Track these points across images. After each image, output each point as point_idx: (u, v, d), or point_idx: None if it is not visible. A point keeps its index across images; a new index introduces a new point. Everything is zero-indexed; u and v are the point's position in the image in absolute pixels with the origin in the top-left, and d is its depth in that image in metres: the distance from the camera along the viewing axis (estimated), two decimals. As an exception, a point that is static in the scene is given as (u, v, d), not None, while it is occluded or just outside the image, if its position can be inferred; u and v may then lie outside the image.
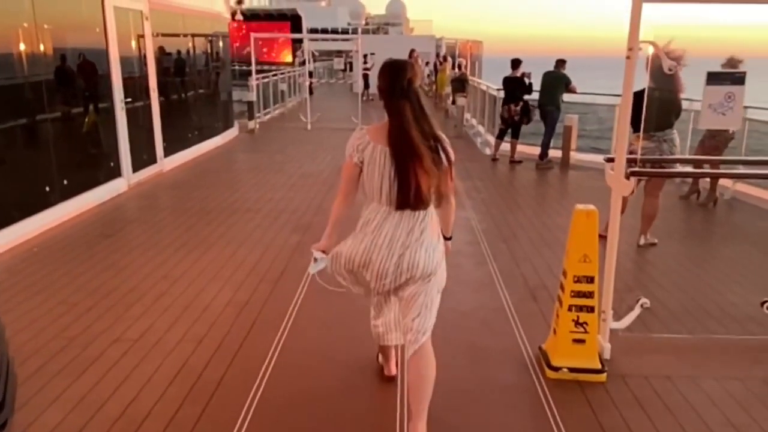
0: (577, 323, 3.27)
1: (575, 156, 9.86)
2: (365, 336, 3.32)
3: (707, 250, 5.79)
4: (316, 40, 36.31)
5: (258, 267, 4.89)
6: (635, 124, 4.03)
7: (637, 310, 3.53)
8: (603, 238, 3.27)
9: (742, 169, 6.03)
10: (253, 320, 3.90)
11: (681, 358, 3.50)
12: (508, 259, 5.18)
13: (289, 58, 32.23)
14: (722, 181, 7.16)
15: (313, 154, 10.43)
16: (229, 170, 9.39)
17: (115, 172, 7.48)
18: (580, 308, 3.25)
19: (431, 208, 2.63)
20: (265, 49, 32.19)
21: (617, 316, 3.56)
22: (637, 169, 3.23)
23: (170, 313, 4.01)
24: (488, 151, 10.75)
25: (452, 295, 4.29)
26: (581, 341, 3.29)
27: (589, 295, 3.24)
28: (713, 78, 3.28)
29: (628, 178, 3.23)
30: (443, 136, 2.56)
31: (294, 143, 11.92)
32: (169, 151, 9.00)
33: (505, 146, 10.08)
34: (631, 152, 3.72)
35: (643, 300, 3.51)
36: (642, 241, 5.53)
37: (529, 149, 10.26)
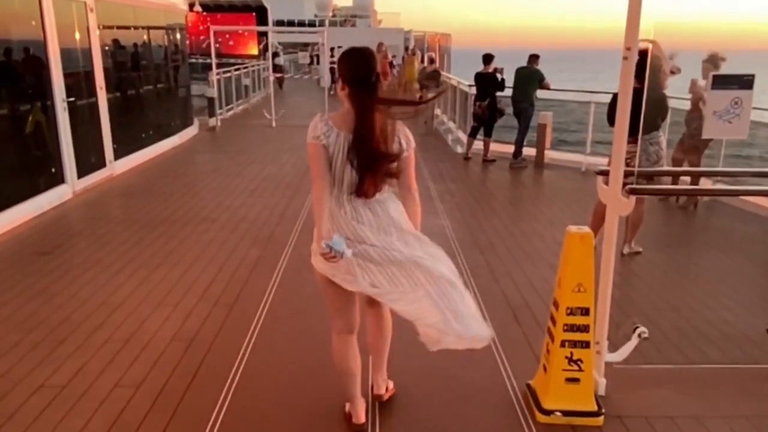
0: (570, 360, 2.88)
1: (549, 154, 9.55)
2: (330, 376, 2.90)
3: (693, 259, 5.49)
4: (282, 32, 35.37)
5: (211, 289, 4.38)
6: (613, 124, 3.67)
7: (634, 341, 3.15)
8: None
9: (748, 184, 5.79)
10: (201, 358, 3.41)
11: (683, 393, 3.15)
12: (486, 273, 4.79)
13: (254, 51, 31.24)
14: (702, 182, 6.89)
15: (277, 155, 9.89)
16: (186, 173, 8.77)
17: (58, 179, 6.83)
18: (575, 344, 2.87)
19: (388, 197, 2.58)
20: (231, 42, 31.20)
21: (612, 347, 3.19)
22: (636, 186, 2.84)
23: (106, 351, 3.48)
24: (460, 149, 10.38)
25: (428, 320, 3.88)
26: (575, 380, 2.90)
27: (584, 329, 2.85)
28: (719, 81, 2.90)
29: (626, 195, 2.85)
30: (402, 125, 2.52)
31: (257, 142, 11.34)
32: (120, 154, 8.35)
33: (478, 144, 9.72)
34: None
35: (642, 329, 3.14)
36: (626, 250, 5.21)
37: (502, 147, 9.91)
